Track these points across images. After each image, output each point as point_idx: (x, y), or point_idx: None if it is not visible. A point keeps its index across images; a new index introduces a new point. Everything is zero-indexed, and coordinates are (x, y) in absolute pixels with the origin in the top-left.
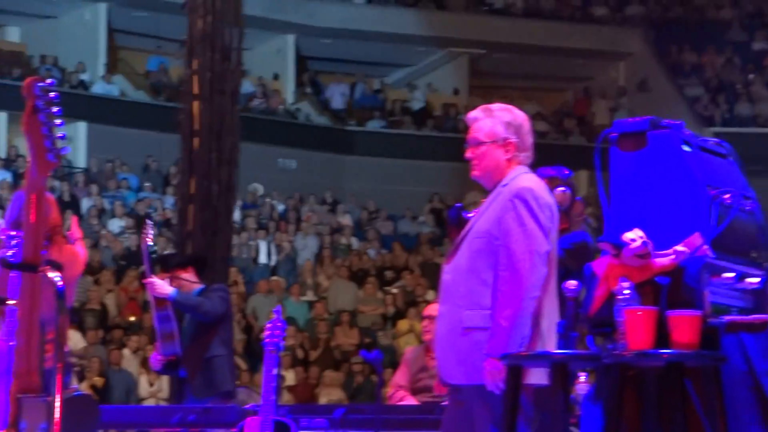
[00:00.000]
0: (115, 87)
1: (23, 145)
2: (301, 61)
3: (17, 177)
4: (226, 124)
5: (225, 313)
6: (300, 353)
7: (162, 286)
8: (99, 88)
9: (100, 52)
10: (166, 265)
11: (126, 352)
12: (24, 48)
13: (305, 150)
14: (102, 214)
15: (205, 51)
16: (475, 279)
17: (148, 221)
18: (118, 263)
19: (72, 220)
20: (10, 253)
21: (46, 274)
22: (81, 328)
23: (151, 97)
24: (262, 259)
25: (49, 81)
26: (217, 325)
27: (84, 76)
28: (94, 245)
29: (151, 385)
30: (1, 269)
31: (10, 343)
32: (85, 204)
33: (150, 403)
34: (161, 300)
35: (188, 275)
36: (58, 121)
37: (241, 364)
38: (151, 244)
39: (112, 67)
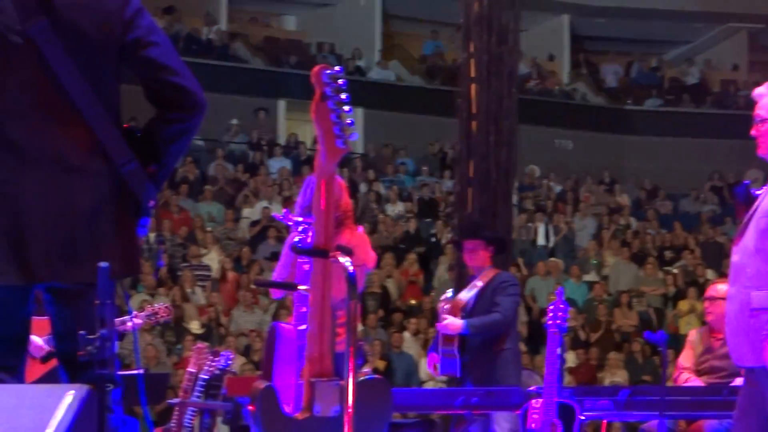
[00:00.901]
0: (391, 72)
1: (302, 132)
2: (576, 41)
3: (297, 164)
4: (503, 106)
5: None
6: (581, 335)
7: (453, 322)
8: (375, 74)
9: (375, 38)
10: (473, 234)
11: (406, 335)
12: (301, 36)
13: (582, 130)
14: (380, 198)
15: (482, 34)
16: (763, 259)
17: None
18: (398, 247)
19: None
20: (297, 238)
21: (337, 259)
22: (363, 311)
23: (426, 82)
24: (540, 240)
25: (336, 68)
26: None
27: (360, 63)
28: (373, 230)
29: None
30: (290, 255)
31: (300, 328)
32: (363, 189)
33: (430, 386)
34: (449, 337)
35: (484, 254)
36: (346, 108)
37: (522, 346)
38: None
39: (387, 52)
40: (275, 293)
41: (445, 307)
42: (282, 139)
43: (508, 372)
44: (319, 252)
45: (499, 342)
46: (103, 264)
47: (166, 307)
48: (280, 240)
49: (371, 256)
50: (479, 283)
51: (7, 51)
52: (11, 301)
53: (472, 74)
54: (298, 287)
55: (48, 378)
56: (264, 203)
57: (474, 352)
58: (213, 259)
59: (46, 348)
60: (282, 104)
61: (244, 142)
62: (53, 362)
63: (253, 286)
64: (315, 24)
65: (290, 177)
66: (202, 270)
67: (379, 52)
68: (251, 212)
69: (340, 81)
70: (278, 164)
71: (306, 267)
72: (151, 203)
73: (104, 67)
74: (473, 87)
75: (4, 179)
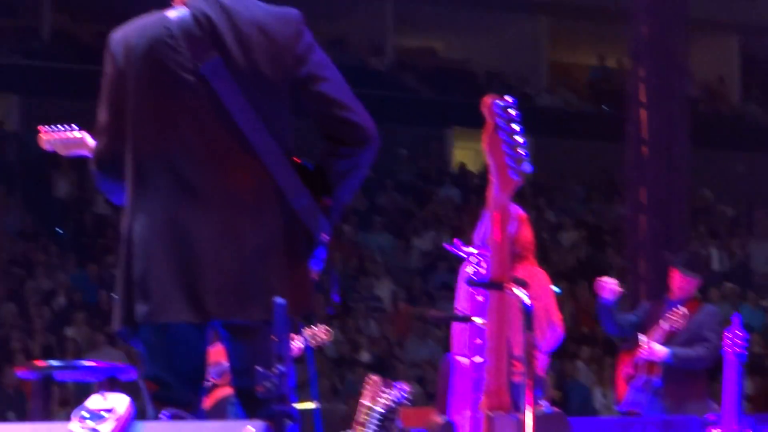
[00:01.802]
0: (559, 98)
1: (472, 161)
2: (747, 61)
3: (467, 193)
4: (674, 130)
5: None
6: (760, 361)
7: (657, 349)
8: (542, 101)
9: (542, 64)
10: (695, 270)
11: (580, 364)
12: (469, 64)
13: (755, 153)
14: (551, 226)
15: (651, 57)
16: None
17: None
18: (570, 275)
19: None
20: (471, 270)
21: (513, 292)
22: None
23: (594, 107)
24: (714, 266)
25: (508, 99)
26: None
27: (527, 89)
28: (545, 258)
29: (605, 396)
30: (465, 287)
31: (475, 360)
32: (533, 217)
33: (605, 415)
34: (652, 364)
35: (695, 286)
36: (519, 139)
37: None
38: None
39: (554, 78)
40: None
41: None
42: (451, 168)
43: (702, 404)
44: (494, 285)
45: (698, 373)
46: (279, 300)
47: (325, 329)
48: (452, 270)
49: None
50: (684, 311)
51: (180, 89)
52: (188, 339)
53: (642, 99)
54: (473, 319)
55: (213, 411)
56: (434, 233)
57: (670, 380)
58: (384, 290)
59: (210, 380)
60: (451, 133)
61: (413, 172)
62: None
63: (422, 317)
64: (481, 51)
65: (460, 206)
66: (373, 301)
67: (545, 79)
68: (421, 242)
69: (512, 112)
70: (448, 193)
71: (480, 299)
72: (325, 237)
73: (276, 103)
74: (643, 112)
75: (177, 218)
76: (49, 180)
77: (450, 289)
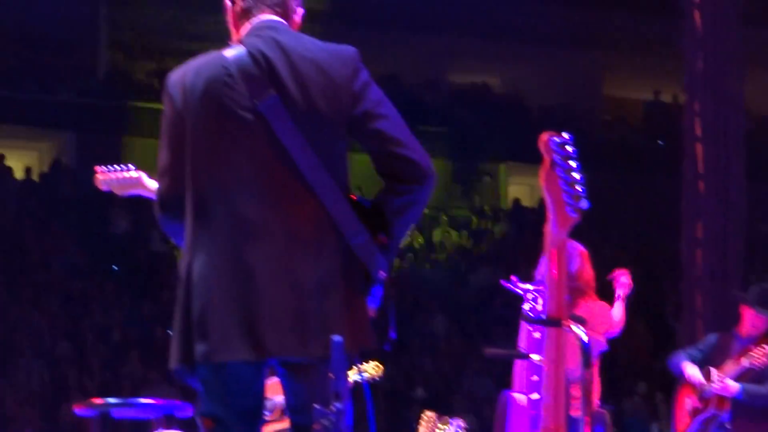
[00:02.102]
0: (614, 133)
1: (526, 197)
2: None
3: (521, 229)
4: (731, 164)
5: None
6: None
7: (730, 384)
8: (598, 135)
9: (596, 98)
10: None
11: (636, 399)
12: (521, 97)
13: None
14: (610, 262)
15: (706, 92)
16: None
17: None
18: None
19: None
20: (528, 307)
21: (570, 329)
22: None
23: (649, 141)
24: None
25: (565, 136)
26: None
27: (582, 124)
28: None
29: (662, 431)
30: (523, 324)
31: (532, 397)
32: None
33: None
34: (722, 399)
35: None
36: (577, 176)
37: None
38: None
39: (608, 113)
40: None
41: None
42: (505, 204)
43: None
44: (551, 322)
45: (766, 411)
46: (336, 338)
47: (376, 365)
48: (507, 306)
49: (616, 323)
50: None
51: (238, 128)
52: (246, 377)
53: (697, 133)
54: (530, 356)
55: None
56: (489, 269)
57: (739, 416)
58: (439, 325)
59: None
60: (505, 168)
61: (468, 208)
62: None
63: (478, 353)
64: (535, 86)
65: (515, 242)
66: (428, 337)
67: (600, 113)
68: (476, 278)
69: (568, 148)
70: (502, 229)
71: (537, 336)
72: (382, 274)
73: (333, 140)
74: (698, 146)
75: (237, 256)
76: (105, 217)
77: (505, 325)
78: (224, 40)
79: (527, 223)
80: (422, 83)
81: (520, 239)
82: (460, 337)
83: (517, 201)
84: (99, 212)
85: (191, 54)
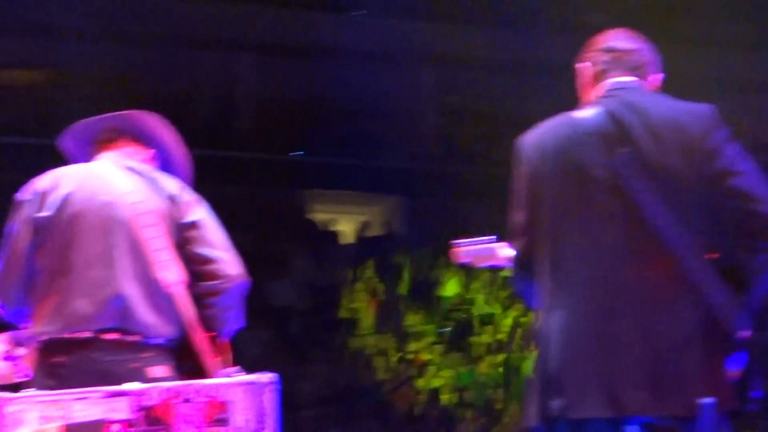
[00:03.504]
0: None
1: None
2: None
3: None
4: None
5: None
6: None
7: None
8: None
9: None
10: None
11: None
12: None
13: None
14: None
15: None
16: None
17: None
18: None
19: None
20: None
21: None
22: None
23: None
24: None
25: None
26: None
27: None
28: None
29: None
30: None
31: None
32: None
33: None
34: None
35: None
36: None
37: None
38: None
39: None
40: None
41: None
42: None
43: None
44: None
45: None
46: (707, 401)
47: None
48: None
49: None
50: None
51: (593, 185)
52: None
53: None
54: None
55: None
56: None
57: None
58: None
59: None
60: None
61: None
62: None
63: None
64: None
65: None
66: None
67: None
68: None
69: None
70: None
71: None
72: (743, 334)
73: (689, 197)
74: None
75: (595, 314)
76: (434, 279)
77: None
78: (563, 105)
79: None
80: None
81: None
82: None
83: None
84: (428, 275)
85: (522, 119)
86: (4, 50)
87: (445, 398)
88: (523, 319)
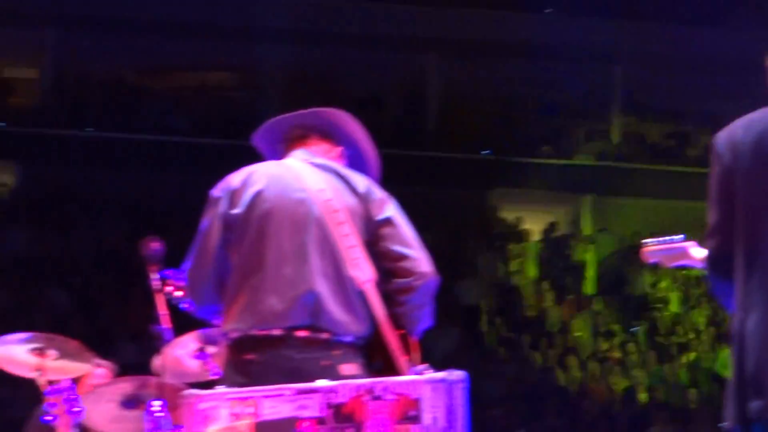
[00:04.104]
0: None
1: None
2: None
3: None
4: None
5: None
6: None
7: None
8: None
9: None
10: None
11: None
12: None
13: None
14: None
15: None
16: None
17: None
18: None
19: None
20: None
21: None
22: None
23: None
24: None
25: None
26: None
27: None
28: None
29: None
30: None
31: None
32: None
33: None
34: None
35: None
36: None
37: None
38: None
39: None
40: None
41: None
42: None
43: None
44: None
45: None
46: None
47: None
48: None
49: None
50: None
51: None
52: None
53: None
54: None
55: None
56: None
57: None
58: None
59: None
60: None
61: None
62: None
63: None
64: None
65: None
66: None
67: None
68: None
69: None
70: None
71: None
72: None
73: None
74: None
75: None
76: (623, 278)
77: None
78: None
79: None
80: None
81: None
82: None
83: None
84: (618, 273)
85: (709, 115)
86: (198, 53)
87: (639, 397)
88: (715, 319)
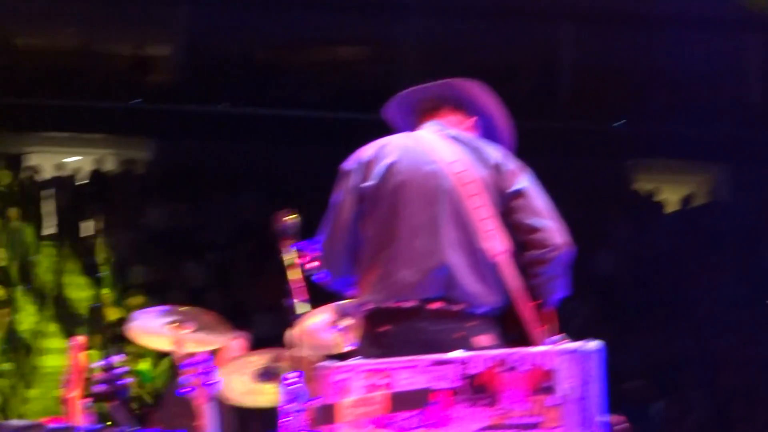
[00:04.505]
0: None
1: None
2: None
3: None
4: None
5: None
6: None
7: None
8: None
9: None
10: None
11: None
12: None
13: None
14: None
15: None
16: None
17: None
18: None
19: None
20: None
21: None
22: None
23: None
24: None
25: None
26: None
27: None
28: None
29: None
30: None
31: None
32: None
33: None
34: None
35: None
36: None
37: None
38: None
39: None
40: None
41: None
42: None
43: None
44: None
45: None
46: None
47: None
48: None
49: None
50: None
51: None
52: None
53: None
54: None
55: None
56: None
57: None
58: None
59: None
60: None
61: None
62: None
63: None
64: None
65: None
66: None
67: None
68: None
69: None
70: None
71: None
72: None
73: None
74: None
75: None
76: (758, 251)
77: None
78: None
79: None
80: None
81: None
82: None
83: None
84: (752, 246)
85: None
86: (331, 27)
87: None
88: None
